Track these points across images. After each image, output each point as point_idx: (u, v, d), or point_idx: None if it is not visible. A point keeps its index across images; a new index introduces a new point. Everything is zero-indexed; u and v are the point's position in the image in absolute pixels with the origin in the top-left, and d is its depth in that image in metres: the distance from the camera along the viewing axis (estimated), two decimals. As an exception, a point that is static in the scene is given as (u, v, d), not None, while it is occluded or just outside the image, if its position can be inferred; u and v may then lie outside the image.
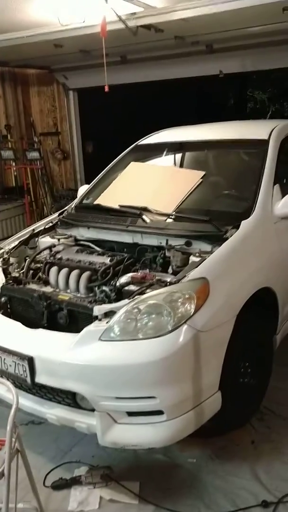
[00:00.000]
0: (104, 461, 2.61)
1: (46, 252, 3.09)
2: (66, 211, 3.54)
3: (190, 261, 2.61)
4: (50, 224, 3.45)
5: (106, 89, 4.26)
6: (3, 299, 2.79)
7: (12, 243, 3.29)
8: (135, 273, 2.58)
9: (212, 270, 2.43)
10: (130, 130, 5.41)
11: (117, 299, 2.46)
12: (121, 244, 3.02)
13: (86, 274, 2.65)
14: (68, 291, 2.70)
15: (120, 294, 2.49)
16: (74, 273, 2.69)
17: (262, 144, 3.22)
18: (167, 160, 3.70)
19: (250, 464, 2.56)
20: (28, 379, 2.36)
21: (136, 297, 2.35)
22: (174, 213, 2.96)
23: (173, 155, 3.72)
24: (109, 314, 2.34)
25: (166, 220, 2.93)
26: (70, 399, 2.34)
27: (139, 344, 2.19)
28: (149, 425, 2.24)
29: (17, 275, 2.92)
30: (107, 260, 2.78)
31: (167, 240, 2.80)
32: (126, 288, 2.49)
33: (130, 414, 2.25)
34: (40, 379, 2.34)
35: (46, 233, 3.36)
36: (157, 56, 6.09)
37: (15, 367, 2.40)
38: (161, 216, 2.95)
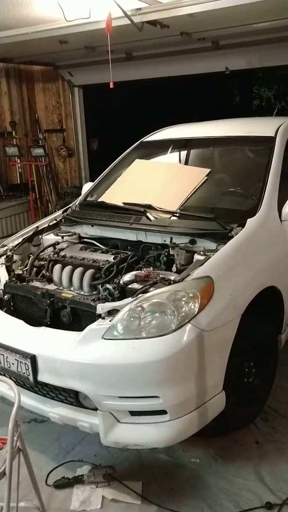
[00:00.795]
0: (107, 460, 2.60)
1: (50, 249, 3.07)
2: (70, 209, 3.52)
3: (194, 260, 2.58)
4: (54, 222, 3.44)
5: (111, 85, 4.24)
6: (6, 296, 2.77)
7: (15, 240, 3.28)
8: (138, 271, 2.56)
9: (217, 268, 2.41)
10: (135, 127, 5.38)
11: (121, 298, 2.44)
12: (125, 242, 3.00)
13: (89, 272, 2.64)
14: (72, 289, 2.68)
15: (124, 292, 2.47)
16: (78, 271, 2.67)
17: (268, 141, 3.19)
18: (172, 157, 3.67)
19: (254, 465, 2.54)
20: (31, 378, 2.35)
21: (139, 295, 2.32)
22: (178, 210, 2.94)
23: (178, 152, 3.69)
24: (112, 313, 2.32)
25: (170, 217, 2.91)
26: (72, 398, 2.32)
27: (142, 343, 2.16)
28: (152, 425, 2.22)
29: (20, 272, 2.90)
30: (110, 258, 2.76)
31: (171, 238, 2.77)
32: (130, 286, 2.47)
33: (133, 413, 2.23)
34: (43, 377, 2.33)
35: (50, 230, 3.35)
36: (163, 53, 6.05)
37: (18, 365, 2.38)
38: (166, 214, 2.93)
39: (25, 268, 2.94)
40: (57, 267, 2.79)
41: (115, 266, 2.66)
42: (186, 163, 3.58)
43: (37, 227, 3.39)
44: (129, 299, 2.32)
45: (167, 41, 5.46)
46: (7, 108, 7.38)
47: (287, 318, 2.97)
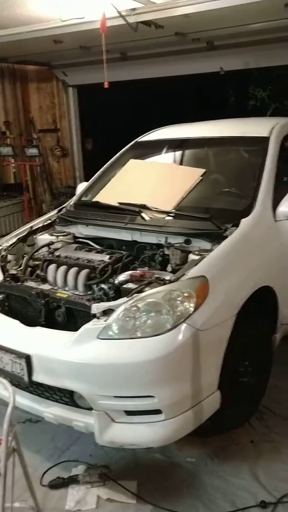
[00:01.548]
0: (102, 460, 2.60)
1: (44, 249, 3.07)
2: (64, 208, 3.52)
3: (189, 259, 2.59)
4: (49, 222, 3.43)
5: (106, 85, 4.23)
6: (0, 296, 2.76)
7: (10, 240, 3.27)
8: (134, 271, 2.55)
9: (212, 268, 2.41)
10: (129, 127, 5.38)
11: (116, 297, 2.44)
12: (120, 241, 3.00)
13: (84, 272, 2.63)
14: (66, 288, 2.68)
15: (119, 292, 2.47)
16: (73, 270, 2.67)
17: (263, 142, 3.20)
18: (167, 157, 3.68)
19: (249, 464, 2.54)
20: (26, 378, 2.34)
21: (134, 295, 2.32)
22: (173, 210, 2.94)
23: (173, 152, 3.70)
24: (107, 312, 2.32)
25: (165, 218, 2.91)
26: (67, 397, 2.32)
27: (137, 342, 2.16)
28: (147, 424, 2.22)
29: (15, 272, 2.89)
30: (105, 257, 2.75)
31: (166, 238, 2.77)
32: (125, 286, 2.47)
33: (128, 413, 2.23)
34: (38, 377, 2.32)
35: (45, 230, 3.34)
36: (158, 53, 6.06)
37: (12, 365, 2.38)
38: (160, 214, 2.93)
39: (20, 268, 2.93)
40: (52, 267, 2.78)
41: (110, 266, 2.66)
42: (181, 163, 3.59)
43: (32, 227, 3.38)
44: (124, 299, 2.32)
45: (162, 42, 5.47)
46: (1, 108, 7.37)
47: (281, 317, 2.98)
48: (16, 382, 2.41)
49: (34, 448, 2.69)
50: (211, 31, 5.17)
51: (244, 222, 2.70)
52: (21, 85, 7.57)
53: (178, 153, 3.68)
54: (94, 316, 2.34)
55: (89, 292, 2.59)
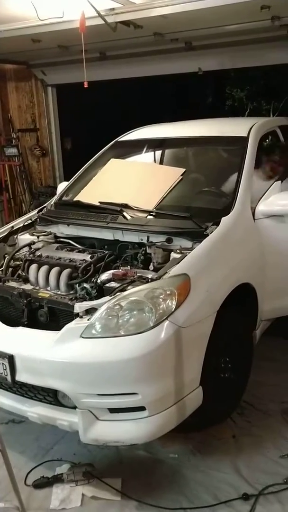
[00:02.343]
0: (86, 458, 2.61)
1: (26, 249, 3.06)
2: (45, 208, 3.51)
3: (171, 258, 2.62)
4: (29, 221, 3.41)
5: (85, 85, 4.23)
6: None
7: (-10, 240, 3.24)
8: (116, 270, 2.57)
9: (193, 266, 2.45)
10: (109, 127, 5.38)
11: (98, 296, 2.45)
12: (102, 241, 3.01)
13: (66, 271, 2.64)
14: (48, 288, 2.68)
15: (101, 291, 2.49)
16: (54, 270, 2.67)
17: (241, 141, 3.25)
18: (147, 157, 3.70)
19: (231, 458, 2.59)
20: (9, 378, 2.33)
21: (117, 294, 2.34)
22: (154, 210, 2.96)
23: (153, 152, 3.72)
24: (90, 311, 2.33)
25: (146, 217, 2.93)
26: (51, 397, 2.32)
27: (120, 340, 2.18)
28: (131, 421, 2.24)
29: (-4, 273, 2.87)
30: (87, 257, 2.76)
31: (148, 237, 2.80)
32: (107, 285, 2.48)
33: (112, 410, 2.25)
34: (21, 377, 2.32)
35: (25, 230, 3.32)
36: (137, 53, 6.06)
37: (-5, 365, 2.37)
38: (142, 213, 2.95)
39: (1, 269, 2.92)
40: (33, 267, 2.78)
41: (92, 265, 2.67)
42: (161, 162, 3.62)
43: (12, 227, 3.36)
44: (107, 298, 2.34)
45: (140, 42, 5.48)
46: (-21, 108, 7.27)
47: (261, 314, 3.04)
48: (-1, 382, 2.41)
49: (18, 449, 2.69)
50: (189, 32, 5.21)
51: (224, 220, 2.74)
52: (-1, 84, 7.49)
53: (158, 153, 3.70)
54: (77, 315, 2.34)
55: (71, 292, 2.59)
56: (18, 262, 2.93)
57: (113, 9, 4.35)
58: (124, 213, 2.93)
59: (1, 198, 7.11)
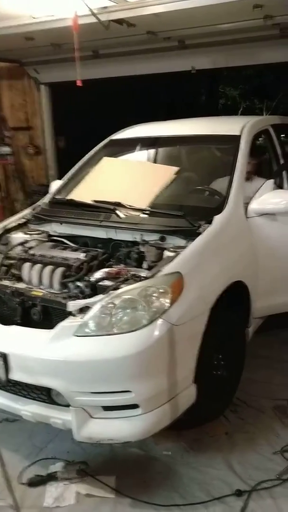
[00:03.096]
0: (80, 456, 2.61)
1: (19, 248, 3.05)
2: (39, 207, 3.50)
3: (164, 256, 2.63)
4: (23, 220, 3.40)
5: (79, 83, 4.23)
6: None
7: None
8: (109, 269, 2.58)
9: (186, 264, 2.46)
10: (102, 125, 5.38)
11: (92, 295, 2.45)
12: (95, 239, 3.01)
13: (60, 270, 2.64)
14: (42, 287, 2.68)
15: (95, 289, 2.49)
16: (48, 269, 2.67)
17: (234, 140, 3.26)
18: (140, 155, 3.70)
19: (224, 455, 2.61)
20: (2, 376, 2.33)
21: (111, 292, 2.35)
22: (148, 208, 2.97)
23: (146, 150, 3.72)
24: (84, 310, 2.33)
25: (140, 215, 2.94)
26: (45, 395, 2.32)
27: (114, 339, 2.19)
28: (124, 419, 2.25)
29: (-11, 271, 2.86)
30: (81, 255, 2.76)
31: (141, 235, 2.80)
32: (101, 283, 2.49)
33: (106, 408, 2.26)
34: (15, 375, 2.32)
35: (19, 229, 3.31)
36: (130, 51, 6.07)
37: (-11, 364, 2.36)
38: (135, 212, 2.96)
39: (-6, 267, 2.91)
40: (27, 265, 2.77)
41: (85, 263, 2.67)
42: (154, 161, 3.62)
43: (5, 226, 3.36)
44: (101, 296, 2.34)
45: (134, 40, 5.49)
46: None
47: (253, 311, 3.06)
48: (-8, 381, 2.40)
49: (12, 447, 2.69)
50: (182, 30, 5.22)
51: (217, 219, 2.75)
52: (-9, 82, 7.46)
53: (152, 151, 3.71)
54: (70, 313, 2.35)
55: (64, 290, 2.59)
56: (11, 261, 2.93)
57: (106, 7, 4.35)
58: (118, 212, 2.94)
59: (-6, 196, 7.09)
